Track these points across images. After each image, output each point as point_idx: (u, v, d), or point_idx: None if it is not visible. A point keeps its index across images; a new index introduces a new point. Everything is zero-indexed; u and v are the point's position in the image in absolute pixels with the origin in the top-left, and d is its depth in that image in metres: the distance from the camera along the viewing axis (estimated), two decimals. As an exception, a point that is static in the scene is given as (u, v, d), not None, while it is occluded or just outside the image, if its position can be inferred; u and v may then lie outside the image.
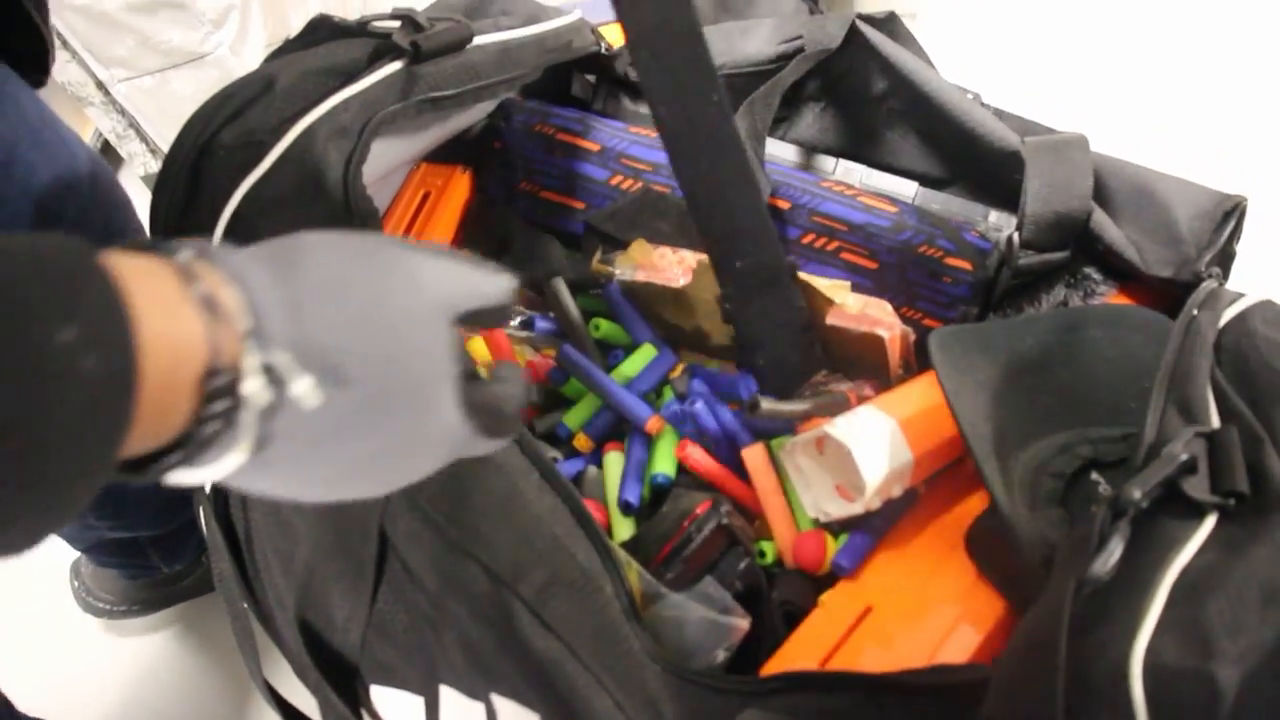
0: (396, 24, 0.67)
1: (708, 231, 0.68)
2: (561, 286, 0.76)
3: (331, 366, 0.39)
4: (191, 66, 1.50)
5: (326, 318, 0.40)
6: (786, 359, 0.71)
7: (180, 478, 0.38)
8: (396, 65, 0.65)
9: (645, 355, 0.73)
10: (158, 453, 0.36)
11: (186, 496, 1.11)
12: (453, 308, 0.44)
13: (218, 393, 0.36)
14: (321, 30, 0.68)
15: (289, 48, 0.68)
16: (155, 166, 1.75)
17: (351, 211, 0.61)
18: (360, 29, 0.68)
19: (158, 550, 1.16)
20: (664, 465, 0.66)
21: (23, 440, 0.30)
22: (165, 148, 1.70)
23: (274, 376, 0.37)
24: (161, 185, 0.64)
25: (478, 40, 0.69)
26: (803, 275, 0.69)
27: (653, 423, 0.67)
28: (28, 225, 0.78)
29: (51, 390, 0.30)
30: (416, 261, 0.44)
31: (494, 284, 0.47)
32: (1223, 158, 1.38)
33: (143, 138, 1.70)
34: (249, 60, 1.54)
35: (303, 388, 0.38)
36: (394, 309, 0.42)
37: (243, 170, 0.61)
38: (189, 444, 0.36)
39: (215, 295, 0.36)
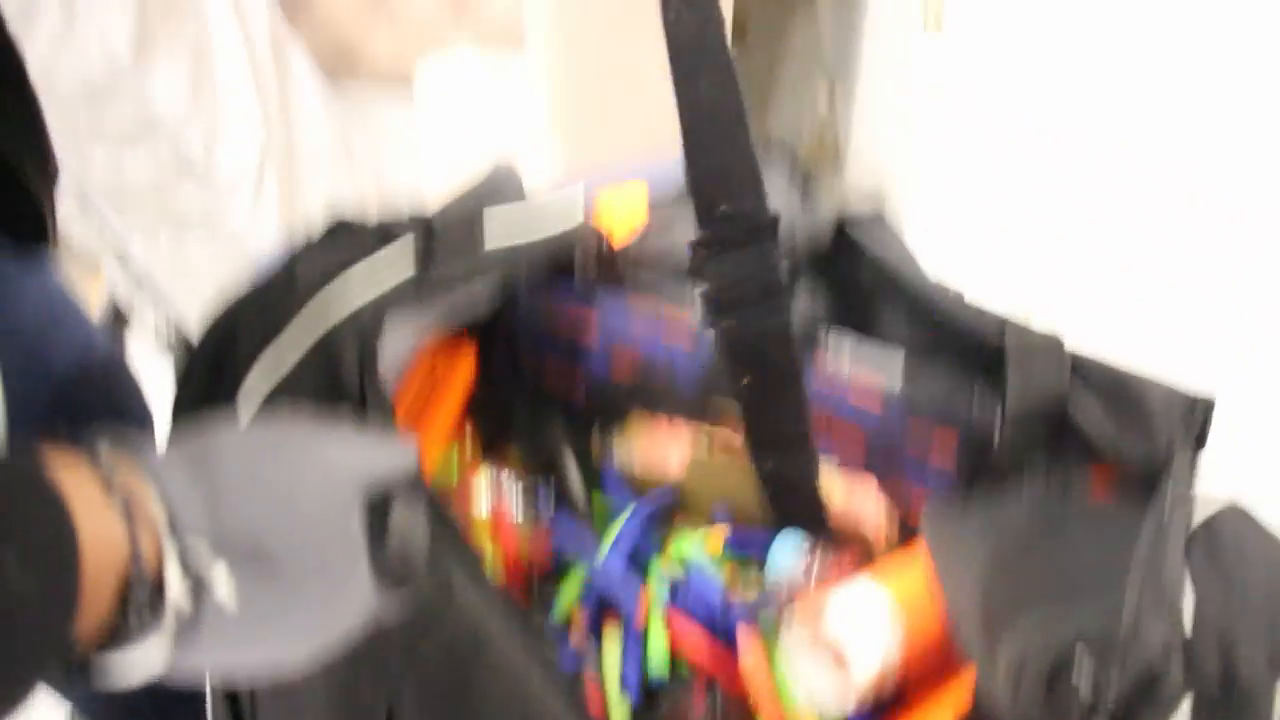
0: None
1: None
2: (570, 462, 0.80)
3: (248, 550, 0.42)
4: (206, 233, 1.55)
5: (241, 508, 0.43)
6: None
7: (103, 679, 0.40)
8: (410, 269, 0.69)
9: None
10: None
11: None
12: (360, 485, 0.48)
13: (139, 600, 0.39)
14: (340, 233, 0.72)
15: (308, 249, 0.72)
16: (165, 329, 1.79)
17: (367, 408, 0.64)
18: (377, 232, 0.72)
19: (156, 710, 1.15)
20: (657, 662, 0.68)
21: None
22: (176, 311, 1.75)
23: (190, 569, 0.40)
24: (184, 380, 0.68)
25: (487, 244, 0.73)
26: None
27: (639, 618, 0.70)
28: (44, 409, 0.82)
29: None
30: (323, 448, 0.48)
31: (398, 457, 0.51)
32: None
33: (155, 301, 1.75)
34: (264, 228, 1.59)
35: (219, 576, 0.41)
36: (305, 496, 0.45)
37: (263, 371, 0.65)
38: (113, 645, 0.39)
39: (133, 494, 0.39)
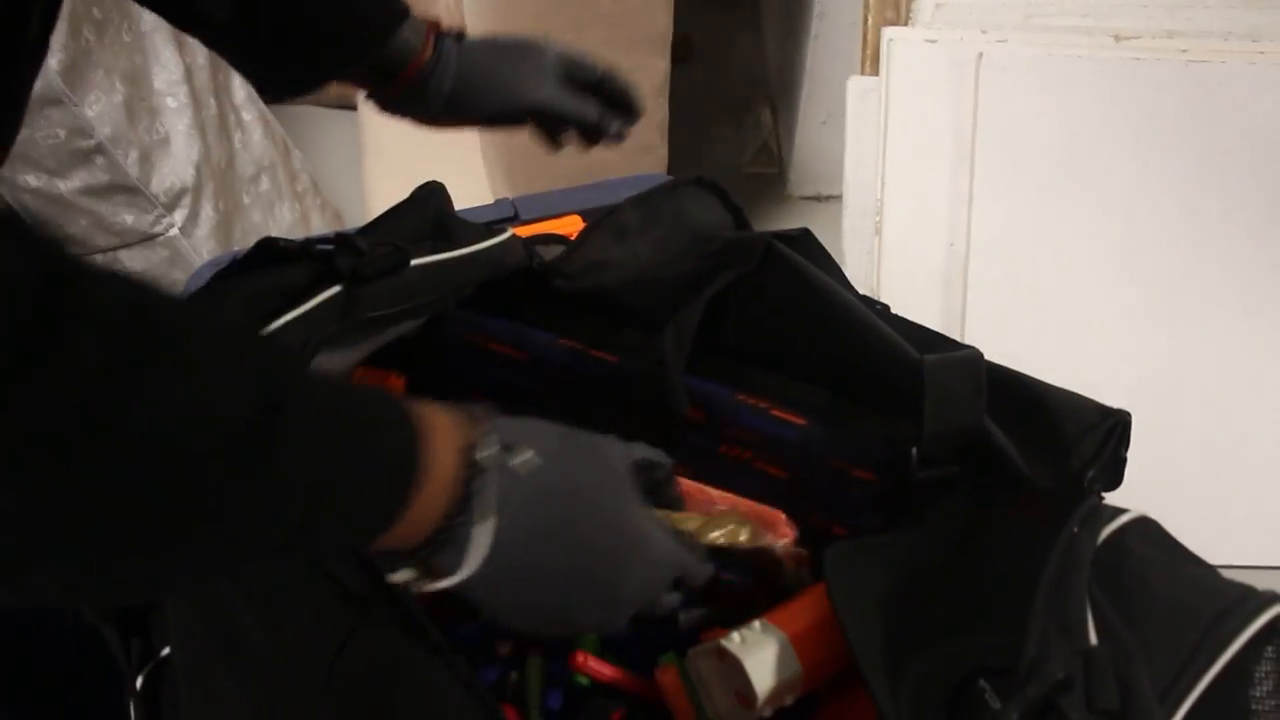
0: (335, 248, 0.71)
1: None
2: None
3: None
4: (142, 246, 1.55)
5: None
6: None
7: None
8: (336, 289, 0.70)
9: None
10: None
11: (88, 670, 1.10)
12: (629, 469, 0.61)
13: (470, 460, 0.50)
14: (267, 253, 0.72)
15: (235, 269, 0.72)
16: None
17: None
18: (303, 252, 0.72)
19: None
20: (579, 672, 0.69)
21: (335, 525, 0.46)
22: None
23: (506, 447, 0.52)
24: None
25: (414, 262, 0.74)
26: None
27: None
28: None
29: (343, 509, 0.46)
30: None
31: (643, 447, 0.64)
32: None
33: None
34: (199, 240, 1.59)
35: (523, 457, 0.53)
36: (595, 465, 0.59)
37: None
38: (457, 514, 0.50)
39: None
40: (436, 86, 0.84)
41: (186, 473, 0.38)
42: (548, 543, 0.54)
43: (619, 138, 0.91)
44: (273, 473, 0.41)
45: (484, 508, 0.51)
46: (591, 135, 0.91)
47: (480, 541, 0.51)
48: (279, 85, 0.82)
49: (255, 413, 0.40)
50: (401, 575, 0.52)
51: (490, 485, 0.51)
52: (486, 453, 0.51)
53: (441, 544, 0.50)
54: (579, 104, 0.88)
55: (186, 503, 0.39)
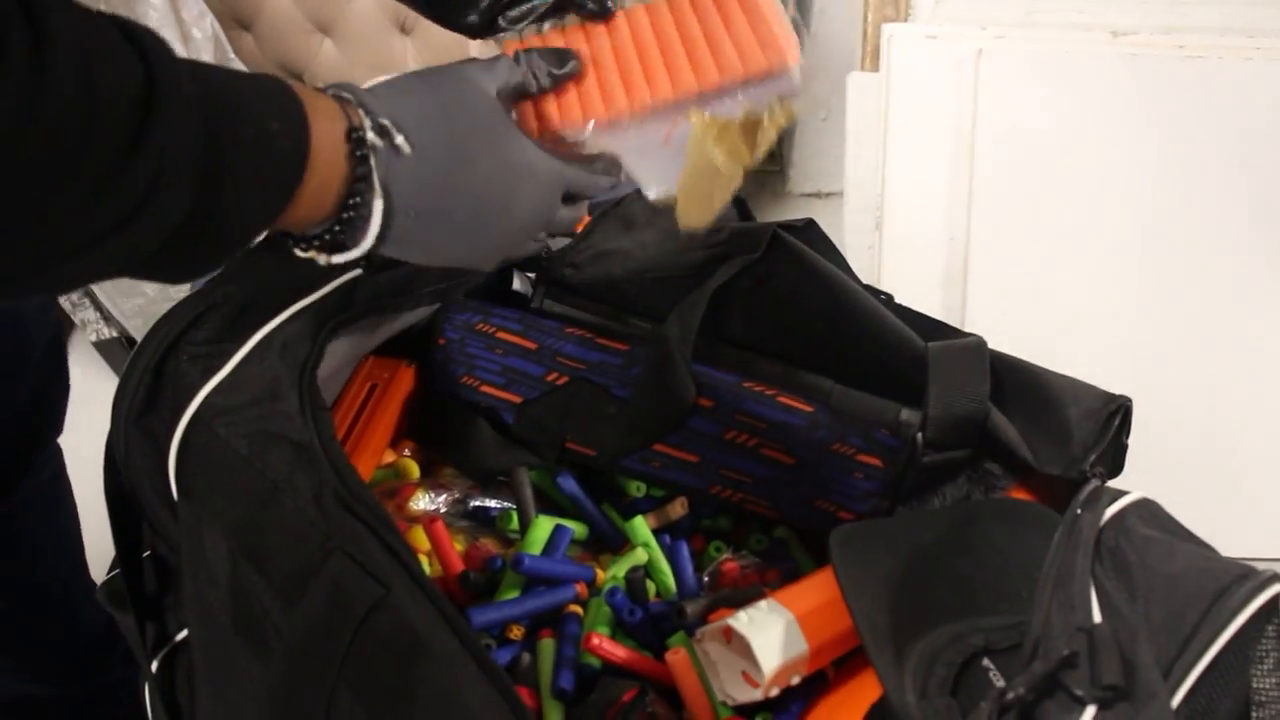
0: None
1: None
2: (524, 475, 0.81)
3: (413, 133, 0.57)
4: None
5: (409, 106, 0.58)
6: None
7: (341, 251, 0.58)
8: (348, 276, 0.71)
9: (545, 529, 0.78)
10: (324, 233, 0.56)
11: (103, 657, 1.11)
12: (490, 87, 0.63)
13: (356, 141, 0.55)
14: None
15: (250, 256, 0.73)
16: (108, 333, 1.79)
17: (305, 413, 0.66)
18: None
19: None
20: (590, 655, 0.70)
21: (240, 181, 0.49)
22: (118, 315, 1.75)
23: (382, 130, 0.56)
24: (125, 382, 0.68)
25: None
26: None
27: (574, 606, 0.73)
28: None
29: (263, 154, 0.51)
30: (457, 68, 0.63)
31: (505, 69, 0.65)
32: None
33: (97, 305, 1.75)
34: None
35: (399, 140, 0.56)
36: (451, 90, 0.61)
37: (204, 375, 0.66)
38: (349, 201, 0.55)
39: (349, 99, 0.56)
40: None
41: (80, 148, 0.42)
42: (439, 195, 0.59)
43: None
44: (165, 141, 0.45)
45: (373, 186, 0.56)
46: None
47: (376, 215, 0.56)
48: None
49: (139, 88, 0.44)
50: (310, 254, 0.58)
51: (378, 165, 0.55)
52: (368, 135, 0.55)
53: (343, 223, 0.56)
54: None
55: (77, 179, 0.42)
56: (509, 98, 0.65)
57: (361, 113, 0.56)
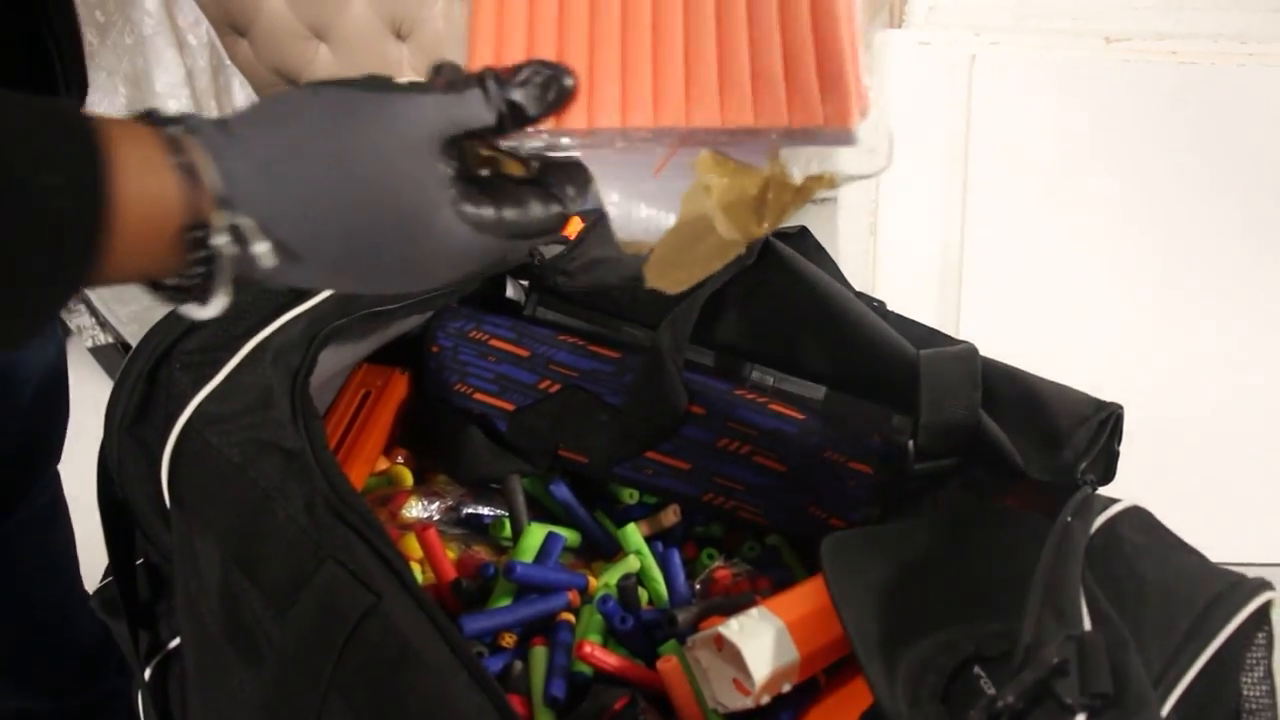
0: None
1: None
2: (516, 483, 0.81)
3: (291, 235, 0.45)
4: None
5: (293, 186, 0.45)
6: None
7: (191, 311, 0.46)
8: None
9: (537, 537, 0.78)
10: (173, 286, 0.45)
11: (97, 668, 1.11)
12: (437, 137, 0.47)
13: (195, 243, 0.44)
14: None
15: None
16: (104, 339, 1.79)
17: (297, 421, 0.66)
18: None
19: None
20: (582, 662, 0.70)
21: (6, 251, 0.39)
22: (114, 321, 1.75)
23: (239, 236, 0.44)
24: (119, 389, 0.69)
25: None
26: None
27: (566, 614, 0.73)
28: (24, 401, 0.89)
29: (30, 218, 0.39)
30: (395, 105, 0.47)
31: (473, 105, 0.49)
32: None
33: (92, 312, 1.75)
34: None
35: (261, 250, 0.45)
36: (369, 159, 0.46)
37: (197, 383, 0.66)
38: (185, 279, 0.44)
39: (195, 164, 0.44)
40: None
41: None
42: (326, 280, 0.50)
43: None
44: None
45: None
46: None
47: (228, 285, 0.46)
48: None
49: None
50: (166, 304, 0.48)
51: (223, 269, 0.45)
52: (214, 240, 0.44)
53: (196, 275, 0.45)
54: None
55: None
56: (460, 139, 0.49)
57: (211, 199, 0.44)
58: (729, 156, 0.52)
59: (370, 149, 0.46)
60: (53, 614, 1.04)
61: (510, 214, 0.50)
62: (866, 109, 0.52)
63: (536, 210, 0.51)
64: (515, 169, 0.53)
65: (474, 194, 0.49)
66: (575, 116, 0.51)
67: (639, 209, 0.54)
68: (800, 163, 0.53)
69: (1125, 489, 0.73)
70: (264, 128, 0.46)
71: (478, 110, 0.48)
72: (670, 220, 0.53)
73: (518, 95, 0.49)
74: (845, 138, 0.51)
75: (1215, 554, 0.67)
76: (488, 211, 0.49)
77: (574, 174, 0.53)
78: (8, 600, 0.99)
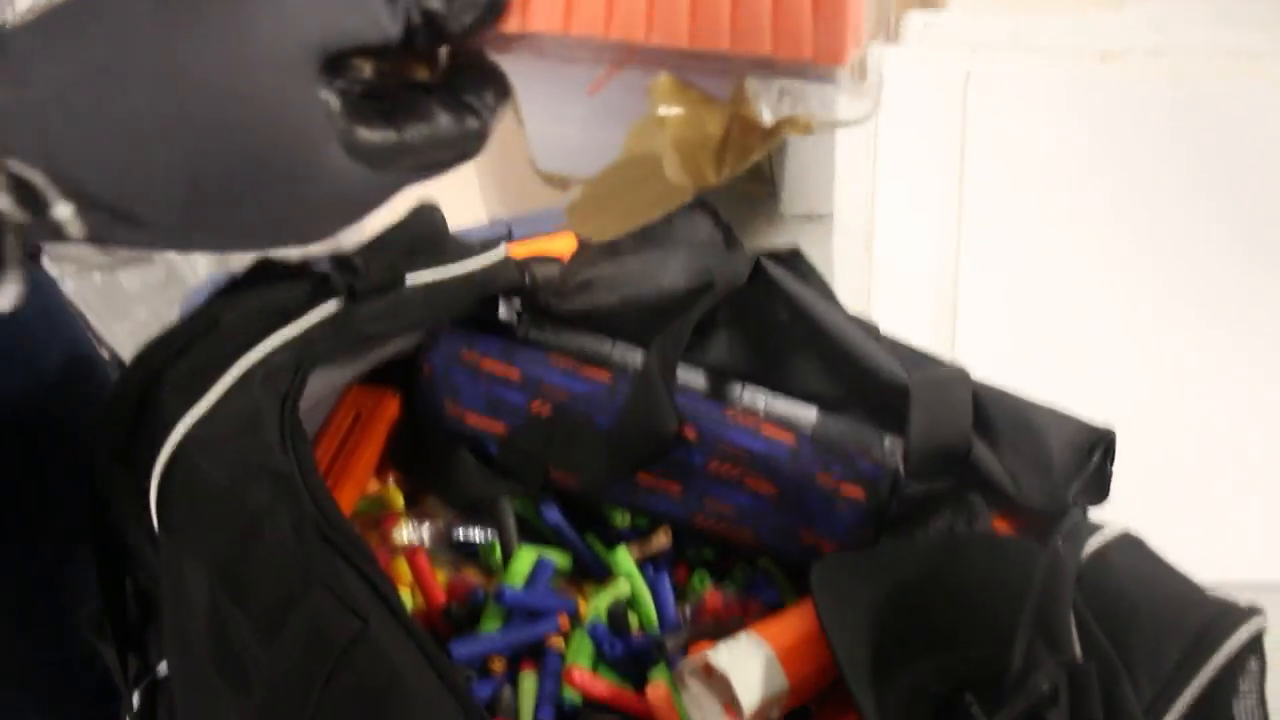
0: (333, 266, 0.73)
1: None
2: (506, 506, 0.81)
3: (110, 192, 0.34)
4: (140, 266, 1.56)
5: (105, 122, 0.33)
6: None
7: None
8: (332, 306, 0.71)
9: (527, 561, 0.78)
10: None
11: (113, 685, 1.11)
12: (317, 51, 0.35)
13: None
14: (264, 272, 0.73)
15: (232, 288, 0.73)
16: (101, 355, 1.78)
17: (285, 444, 0.65)
18: (300, 270, 0.73)
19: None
20: (571, 689, 0.69)
21: None
22: (110, 339, 1.74)
23: (29, 195, 0.33)
24: (108, 412, 0.69)
25: (409, 280, 0.75)
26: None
27: (555, 640, 0.72)
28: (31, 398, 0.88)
29: None
30: (257, 6, 0.34)
31: (371, 9, 0.36)
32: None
33: (88, 329, 1.74)
34: (195, 260, 1.60)
35: (64, 214, 0.34)
36: (219, 81, 0.34)
37: (185, 406, 0.66)
38: None
39: None
40: None
41: None
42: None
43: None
44: None
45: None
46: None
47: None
48: None
49: None
50: None
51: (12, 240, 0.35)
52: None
53: None
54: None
55: None
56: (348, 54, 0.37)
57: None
58: (692, 85, 0.43)
59: (219, 68, 0.34)
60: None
61: (414, 134, 0.38)
62: (857, 51, 0.44)
63: (447, 126, 0.39)
64: (417, 71, 0.41)
65: (366, 112, 0.37)
66: (505, 16, 0.40)
67: (567, 135, 0.45)
68: (770, 99, 0.44)
69: (1118, 504, 0.73)
70: (60, 40, 0.33)
71: (377, 18, 0.36)
72: (606, 154, 0.45)
73: (436, 2, 0.37)
74: (832, 77, 0.43)
75: (1208, 571, 0.67)
76: (386, 135, 0.38)
77: (492, 76, 0.41)
78: (54, 626, 0.99)
